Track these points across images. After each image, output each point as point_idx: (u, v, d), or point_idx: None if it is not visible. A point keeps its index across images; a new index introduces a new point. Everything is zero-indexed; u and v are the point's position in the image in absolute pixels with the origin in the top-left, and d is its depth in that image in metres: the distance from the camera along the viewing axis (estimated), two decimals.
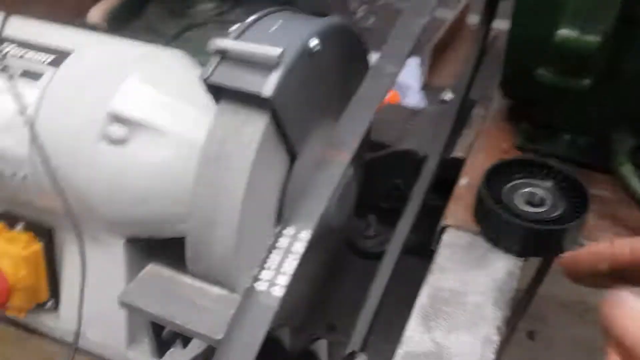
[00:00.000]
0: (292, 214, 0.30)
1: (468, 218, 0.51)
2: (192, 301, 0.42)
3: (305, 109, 0.45)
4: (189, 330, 0.39)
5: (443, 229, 0.51)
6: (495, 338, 0.43)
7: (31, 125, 0.50)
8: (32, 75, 0.51)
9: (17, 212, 0.59)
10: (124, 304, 0.42)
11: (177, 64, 0.53)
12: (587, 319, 1.64)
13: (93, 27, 1.12)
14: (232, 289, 0.43)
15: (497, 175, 0.50)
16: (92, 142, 0.49)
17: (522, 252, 0.48)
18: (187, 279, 0.44)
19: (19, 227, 0.58)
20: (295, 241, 0.28)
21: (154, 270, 0.45)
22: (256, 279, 0.26)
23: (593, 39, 0.46)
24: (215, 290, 0.43)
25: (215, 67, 0.42)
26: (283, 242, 0.28)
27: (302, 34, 0.43)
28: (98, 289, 0.56)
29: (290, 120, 0.43)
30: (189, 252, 0.44)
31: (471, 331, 0.43)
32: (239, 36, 0.43)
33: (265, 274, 0.26)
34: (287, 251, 0.27)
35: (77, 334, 0.54)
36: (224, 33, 0.43)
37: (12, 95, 0.50)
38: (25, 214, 0.58)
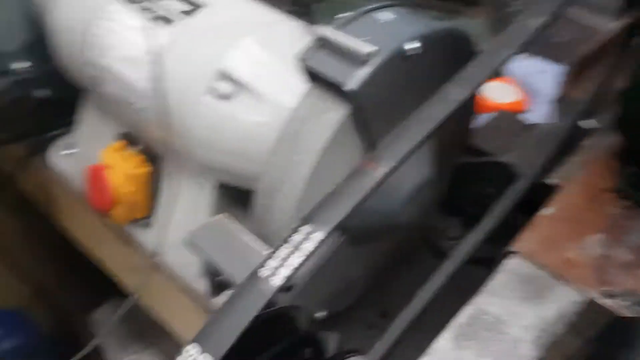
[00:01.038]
0: (312, 213, 0.32)
1: (538, 249, 0.50)
2: (244, 258, 0.46)
3: (394, 108, 0.46)
4: (232, 283, 0.43)
5: (507, 253, 0.50)
6: None
7: (155, 64, 0.56)
8: (165, 20, 0.57)
9: (136, 134, 0.66)
10: (186, 241, 0.47)
11: (293, 35, 0.56)
12: None
13: None
14: None
15: None
16: (200, 93, 0.53)
17: None
18: (248, 236, 0.48)
19: (136, 148, 0.66)
20: (307, 240, 0.30)
21: (223, 220, 0.49)
22: (262, 265, 0.29)
23: None
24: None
25: (313, 52, 0.44)
26: (296, 238, 0.30)
27: (403, 35, 0.44)
28: (185, 219, 0.62)
29: (373, 116, 0.44)
30: (254, 212, 0.48)
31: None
32: (343, 26, 0.45)
33: (271, 263, 0.29)
34: (297, 247, 0.29)
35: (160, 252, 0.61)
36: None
37: (145, 35, 0.56)
38: (143, 140, 0.65)
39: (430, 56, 0.44)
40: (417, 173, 0.51)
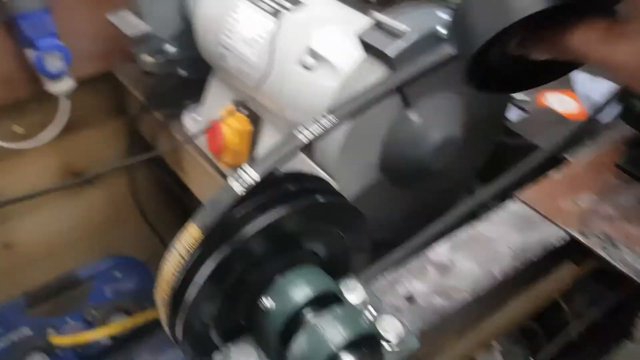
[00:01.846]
0: (336, 108, 0.49)
1: (536, 198, 0.63)
2: None
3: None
4: None
5: (511, 197, 0.64)
6: (499, 277, 0.56)
7: (265, 44, 0.76)
8: (275, 12, 0.77)
9: (244, 101, 0.87)
10: None
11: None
12: None
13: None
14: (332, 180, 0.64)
15: None
16: (292, 64, 0.73)
17: None
18: (310, 162, 0.66)
19: (244, 112, 0.86)
20: (326, 120, 0.47)
21: None
22: (295, 129, 0.46)
23: None
24: (322, 173, 0.65)
25: (368, 30, 0.62)
26: (320, 118, 0.47)
27: (435, 21, 0.61)
28: None
29: None
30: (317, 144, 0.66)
31: (482, 266, 0.57)
32: (393, 12, 0.62)
33: (301, 129, 0.46)
34: (319, 123, 0.47)
35: None
36: None
37: (259, 23, 0.77)
38: (248, 105, 0.86)
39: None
40: (445, 128, 0.66)
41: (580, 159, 0.69)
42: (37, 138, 1.15)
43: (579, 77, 1.04)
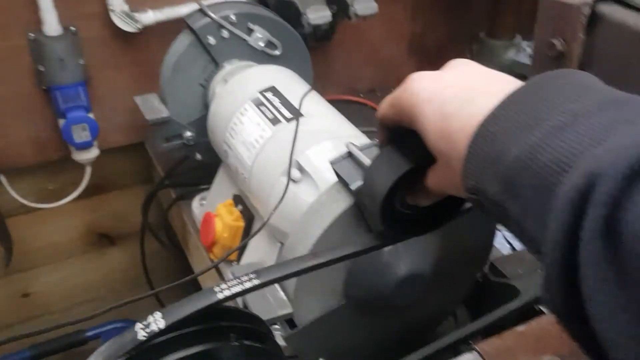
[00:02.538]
0: (261, 270, 0.49)
1: (494, 353, 0.60)
2: (264, 295, 0.64)
3: None
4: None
5: (469, 348, 0.62)
6: None
7: (259, 150, 0.78)
8: (274, 121, 0.79)
9: (243, 198, 0.88)
10: None
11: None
12: None
13: None
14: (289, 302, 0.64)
15: None
16: (279, 174, 0.74)
17: None
18: None
19: (239, 207, 0.88)
20: (248, 282, 0.48)
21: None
22: (217, 285, 0.47)
23: None
24: (280, 294, 0.64)
25: (341, 159, 0.62)
26: (244, 278, 0.48)
27: None
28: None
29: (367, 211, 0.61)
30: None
31: None
32: (366, 148, 0.63)
33: (223, 286, 0.47)
34: (241, 283, 0.47)
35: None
36: None
37: (258, 128, 0.79)
38: (245, 202, 0.88)
39: None
40: (412, 263, 0.65)
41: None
42: (63, 199, 1.20)
43: None
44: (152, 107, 0.98)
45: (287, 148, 0.75)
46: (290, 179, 0.72)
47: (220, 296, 0.45)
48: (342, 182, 0.62)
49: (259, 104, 0.83)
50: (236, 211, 0.87)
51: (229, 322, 0.48)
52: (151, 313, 0.45)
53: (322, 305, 0.67)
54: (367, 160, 0.60)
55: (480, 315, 0.70)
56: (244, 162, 0.81)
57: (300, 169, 0.73)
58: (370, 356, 0.74)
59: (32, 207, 1.20)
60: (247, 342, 0.47)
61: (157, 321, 0.44)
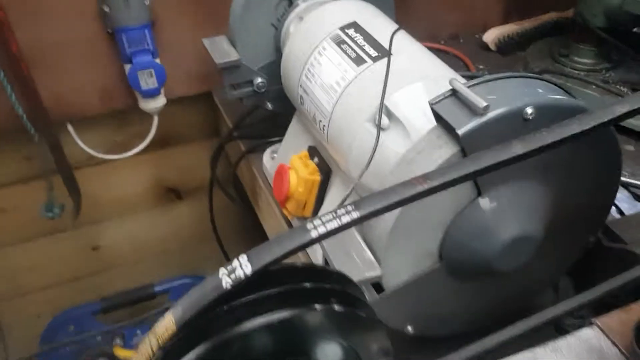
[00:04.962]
0: (360, 201, 0.41)
1: (619, 329, 0.51)
2: (349, 253, 0.56)
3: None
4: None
5: (589, 323, 0.52)
6: None
7: (341, 92, 0.70)
8: (358, 60, 0.70)
9: (319, 149, 0.80)
10: None
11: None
12: None
13: (485, 45, 1.27)
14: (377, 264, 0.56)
15: None
16: (364, 120, 0.66)
17: None
18: (358, 237, 0.58)
19: (315, 159, 0.80)
20: (346, 215, 0.39)
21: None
22: (310, 221, 0.39)
23: None
24: (368, 254, 0.57)
25: (442, 99, 0.53)
26: (340, 211, 0.40)
27: (522, 100, 0.51)
28: None
29: None
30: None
31: None
32: (476, 84, 0.53)
33: (316, 222, 0.39)
34: (337, 217, 0.39)
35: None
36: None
37: (339, 70, 0.70)
38: (321, 154, 0.80)
39: (542, 124, 0.49)
40: (521, 224, 0.56)
41: None
42: (130, 150, 1.16)
43: None
44: (221, 50, 0.90)
45: (373, 91, 0.66)
46: (379, 126, 0.64)
47: (314, 234, 0.37)
48: (445, 125, 0.52)
49: (339, 42, 0.74)
50: (312, 164, 0.80)
51: (324, 282, 0.41)
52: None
53: (414, 268, 0.58)
54: (477, 99, 0.50)
55: (589, 287, 0.60)
56: (323, 108, 0.72)
57: (388, 114, 0.64)
58: (461, 326, 0.65)
59: (99, 159, 1.17)
60: (350, 309, 0.40)
61: (243, 265, 0.37)
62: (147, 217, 1.38)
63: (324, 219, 0.39)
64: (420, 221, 0.56)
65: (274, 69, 0.90)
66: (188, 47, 1.08)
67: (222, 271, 0.38)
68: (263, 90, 0.93)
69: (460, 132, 0.50)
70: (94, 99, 1.08)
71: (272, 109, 0.95)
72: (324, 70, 0.73)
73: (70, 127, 1.11)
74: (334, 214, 0.39)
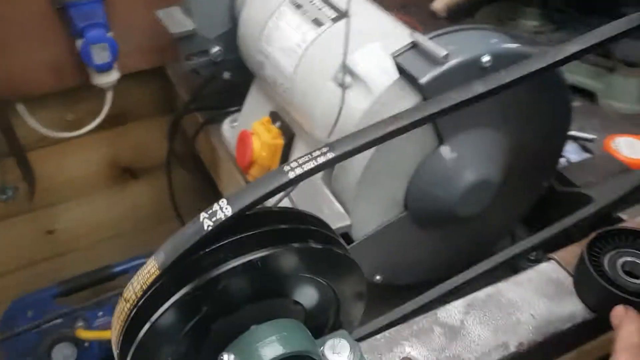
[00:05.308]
0: (335, 142, 0.42)
1: (575, 261, 0.55)
2: (318, 205, 0.58)
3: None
4: None
5: (547, 258, 0.56)
6: (513, 349, 0.48)
7: (302, 54, 0.71)
8: (318, 22, 0.72)
9: (280, 114, 0.82)
10: None
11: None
12: None
13: (434, 14, 1.30)
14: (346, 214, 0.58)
15: (613, 236, 0.53)
16: (326, 80, 0.67)
17: (596, 308, 0.51)
18: (326, 190, 0.60)
19: (277, 124, 0.81)
20: (321, 156, 0.41)
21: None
22: (286, 164, 0.41)
23: None
24: (336, 206, 0.58)
25: (403, 51, 0.55)
26: (315, 153, 0.41)
27: (479, 49, 0.53)
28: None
29: None
30: (334, 173, 0.60)
31: (497, 334, 0.49)
32: (435, 36, 0.55)
33: (293, 164, 0.41)
34: (313, 158, 0.41)
35: None
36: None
37: (299, 32, 0.71)
38: (283, 118, 0.81)
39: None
40: (480, 170, 0.59)
41: (637, 220, 0.59)
42: (83, 128, 1.14)
43: None
44: (176, 21, 0.90)
45: (334, 51, 0.67)
46: (343, 84, 0.65)
47: (291, 175, 0.39)
48: (407, 76, 0.54)
49: (297, 5, 0.75)
50: (274, 128, 0.81)
51: (300, 224, 0.42)
52: None
53: (382, 218, 0.61)
54: (437, 49, 0.52)
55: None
56: (284, 71, 0.73)
57: (350, 72, 0.66)
58: (426, 274, 0.68)
59: (53, 139, 1.14)
60: (327, 246, 0.42)
61: (223, 208, 0.38)
62: (103, 198, 1.36)
63: (300, 161, 0.40)
64: (386, 171, 0.58)
65: (230, 38, 0.91)
66: (140, 21, 1.06)
67: (203, 215, 0.39)
68: (220, 59, 0.93)
69: (423, 80, 0.52)
70: (44, 77, 1.05)
71: (230, 78, 0.96)
72: (284, 34, 0.74)
73: (20, 107, 1.08)
74: (310, 156, 0.40)
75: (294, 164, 0.40)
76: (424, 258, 0.67)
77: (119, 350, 0.40)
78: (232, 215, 0.38)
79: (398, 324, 0.50)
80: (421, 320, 0.50)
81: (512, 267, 0.68)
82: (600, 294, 0.50)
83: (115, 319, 0.40)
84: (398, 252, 0.64)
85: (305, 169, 0.40)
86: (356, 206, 0.58)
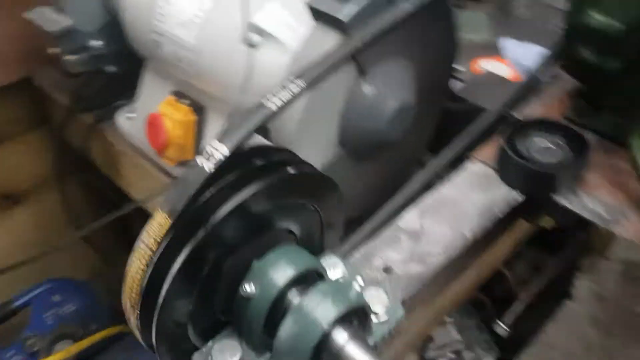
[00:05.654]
0: (300, 72, 0.46)
1: (493, 156, 0.63)
2: None
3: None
4: None
5: (471, 158, 0.64)
6: (469, 236, 0.56)
7: (203, 24, 0.72)
8: None
9: (185, 91, 0.82)
10: None
11: None
12: None
13: None
14: None
15: (524, 126, 0.62)
16: (235, 42, 0.69)
17: (522, 189, 0.59)
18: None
19: (185, 102, 0.82)
20: (292, 84, 0.45)
21: None
22: (263, 98, 0.44)
23: (619, 25, 0.55)
24: None
25: None
26: (286, 83, 0.45)
27: None
28: None
29: None
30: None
31: (452, 228, 0.56)
32: None
33: (268, 96, 0.44)
34: (287, 88, 0.44)
35: None
36: None
37: (196, 2, 0.73)
38: (189, 94, 0.82)
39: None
40: (400, 96, 0.65)
41: (528, 115, 0.69)
42: None
43: (508, 44, 1.06)
44: (50, 19, 0.87)
45: (235, 14, 0.70)
46: (252, 44, 0.68)
47: (273, 107, 0.42)
48: (326, 19, 0.59)
49: None
50: (183, 106, 0.82)
51: (269, 157, 0.45)
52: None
53: (322, 159, 0.65)
54: None
55: None
56: (186, 44, 0.75)
57: (258, 31, 0.69)
58: (360, 208, 0.74)
59: None
60: (301, 170, 0.45)
61: (218, 149, 0.40)
62: None
63: (274, 92, 0.44)
64: (319, 113, 0.62)
65: (110, 29, 0.89)
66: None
67: (200, 159, 0.41)
68: (102, 53, 0.91)
69: (345, 18, 0.57)
70: None
71: (115, 71, 0.94)
72: (177, 8, 0.75)
73: None
74: (282, 86, 0.44)
75: (269, 96, 0.43)
76: (360, 192, 0.73)
77: (140, 311, 0.41)
78: (229, 153, 0.41)
79: (367, 239, 0.55)
80: (386, 232, 0.56)
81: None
82: (521, 174, 0.58)
83: (130, 281, 0.41)
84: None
85: (284, 99, 0.43)
86: (298, 152, 0.62)
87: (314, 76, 0.44)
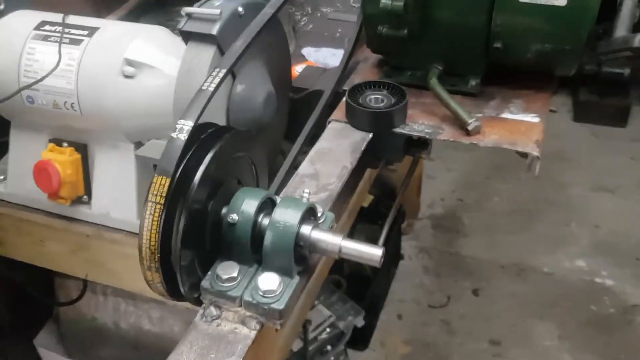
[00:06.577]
0: (220, 61, 0.63)
1: (343, 115, 0.85)
2: None
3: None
4: None
5: (329, 121, 0.85)
6: (349, 167, 0.76)
7: (77, 69, 0.84)
8: (75, 41, 0.85)
9: (63, 136, 0.91)
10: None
11: (161, 32, 0.88)
12: (523, 277, 1.99)
13: None
14: None
15: (359, 89, 0.84)
16: (114, 77, 0.82)
17: (369, 129, 0.82)
18: None
19: (65, 145, 0.91)
20: (219, 71, 0.61)
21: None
22: (203, 85, 0.60)
23: (400, 5, 0.81)
24: None
25: (185, 21, 0.76)
26: (214, 73, 0.61)
27: (237, 4, 0.78)
28: (117, 180, 0.89)
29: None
30: None
31: (335, 165, 0.76)
32: (201, 5, 0.77)
33: (208, 80, 0.60)
34: (215, 76, 0.61)
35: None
36: None
37: (64, 55, 0.84)
38: (67, 137, 0.91)
39: (250, 15, 0.77)
40: (264, 87, 0.84)
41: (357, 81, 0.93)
42: None
43: (306, 51, 1.31)
44: None
45: (107, 55, 0.83)
46: (127, 76, 0.81)
47: (210, 89, 0.58)
48: (199, 37, 0.75)
49: (44, 37, 0.86)
50: (65, 149, 0.90)
51: (214, 127, 0.61)
52: None
53: None
54: (211, 11, 0.75)
55: None
56: (65, 90, 0.85)
57: (132, 63, 0.82)
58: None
59: None
60: (236, 131, 0.62)
61: (185, 124, 0.55)
62: None
63: (209, 80, 0.60)
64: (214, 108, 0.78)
65: None
66: None
67: (174, 134, 0.56)
68: None
69: (215, 32, 0.74)
70: None
71: None
72: (47, 62, 0.85)
73: None
74: (212, 76, 0.60)
75: (204, 84, 0.59)
76: None
77: (160, 253, 0.54)
78: (193, 125, 0.56)
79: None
80: (293, 179, 0.74)
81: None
82: (368, 118, 0.81)
83: (147, 233, 0.54)
84: None
85: (216, 82, 0.59)
86: None
87: (228, 63, 0.61)
